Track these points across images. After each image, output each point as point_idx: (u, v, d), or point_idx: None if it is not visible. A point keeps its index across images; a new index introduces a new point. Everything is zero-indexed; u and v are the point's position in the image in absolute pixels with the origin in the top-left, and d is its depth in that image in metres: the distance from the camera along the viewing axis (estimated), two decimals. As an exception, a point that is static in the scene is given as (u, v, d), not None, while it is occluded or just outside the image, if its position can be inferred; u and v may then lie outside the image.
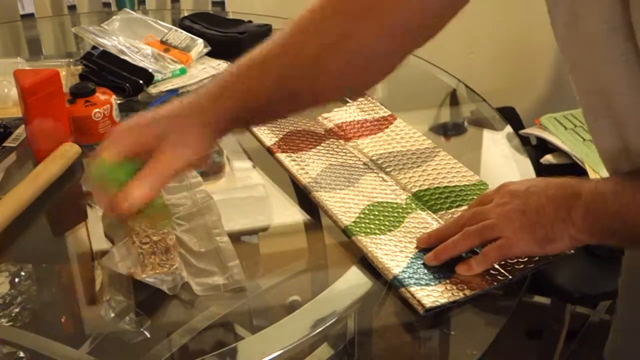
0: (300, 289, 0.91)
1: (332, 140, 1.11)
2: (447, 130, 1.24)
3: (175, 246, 0.88)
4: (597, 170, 1.13)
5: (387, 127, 1.12)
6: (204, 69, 1.35)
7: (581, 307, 1.80)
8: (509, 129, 1.20)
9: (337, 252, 0.95)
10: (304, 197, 1.00)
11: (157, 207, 0.83)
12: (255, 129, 1.11)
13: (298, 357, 0.81)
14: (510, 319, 0.83)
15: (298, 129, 1.13)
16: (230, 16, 1.57)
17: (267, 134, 1.10)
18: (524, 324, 1.84)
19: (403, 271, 0.84)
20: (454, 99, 1.36)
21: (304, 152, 1.07)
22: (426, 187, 0.99)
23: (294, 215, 1.02)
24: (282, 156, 1.06)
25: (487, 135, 1.22)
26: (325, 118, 1.16)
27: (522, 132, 1.36)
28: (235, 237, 0.93)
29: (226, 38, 1.42)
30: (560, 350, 1.56)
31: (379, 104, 1.19)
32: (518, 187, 0.84)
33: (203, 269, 0.87)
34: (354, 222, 0.92)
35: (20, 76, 1.07)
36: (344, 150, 1.08)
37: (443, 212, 0.95)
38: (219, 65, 1.36)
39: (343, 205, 0.95)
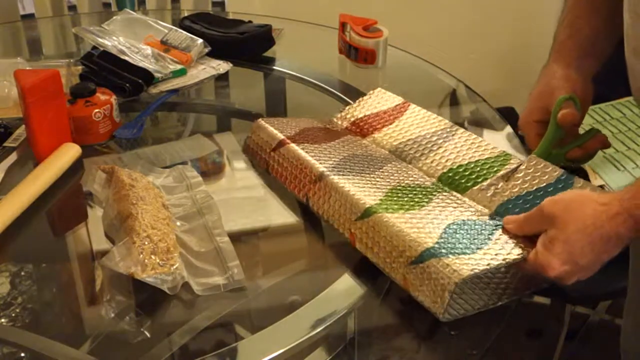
0: (300, 289, 0.91)
1: (349, 136, 1.09)
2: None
3: (175, 246, 0.88)
4: (596, 171, 1.13)
5: (402, 115, 1.11)
6: (204, 69, 1.35)
7: (581, 307, 1.80)
8: (509, 129, 1.20)
9: (337, 252, 0.95)
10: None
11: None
12: (267, 125, 1.08)
13: (298, 357, 0.81)
14: (510, 319, 0.83)
15: (314, 126, 1.11)
16: (230, 16, 1.57)
17: (280, 129, 1.07)
18: (524, 324, 1.84)
19: (436, 242, 0.82)
20: (454, 99, 1.36)
21: (321, 144, 1.04)
22: (449, 167, 0.97)
23: (294, 215, 1.02)
24: (295, 147, 1.02)
25: (487, 135, 1.22)
26: (340, 118, 1.15)
27: (522, 132, 1.35)
28: (235, 237, 0.93)
29: (226, 38, 1.42)
30: (560, 350, 1.56)
31: (390, 93, 1.17)
32: (563, 229, 0.79)
33: (203, 269, 0.87)
34: (377, 203, 0.89)
35: (20, 76, 1.07)
36: (362, 144, 1.06)
37: (469, 190, 0.93)
38: (219, 65, 1.36)
39: (365, 188, 0.92)
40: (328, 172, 0.96)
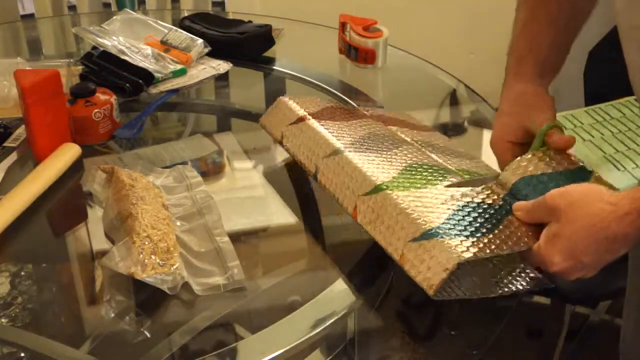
0: (300, 289, 0.91)
1: (370, 120, 1.07)
2: (447, 131, 1.24)
3: (175, 246, 0.88)
4: (597, 171, 1.13)
5: (426, 131, 1.10)
6: (204, 69, 1.35)
7: (581, 307, 1.80)
8: (509, 129, 1.20)
9: (337, 252, 0.95)
10: (304, 198, 1.00)
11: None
12: (290, 102, 1.06)
13: (298, 357, 0.81)
14: (510, 319, 0.83)
15: (337, 107, 1.09)
16: (230, 16, 1.57)
17: (302, 106, 1.05)
18: (524, 324, 1.84)
19: (445, 221, 0.81)
20: (454, 99, 1.36)
21: (341, 122, 1.03)
22: (464, 168, 0.96)
23: (294, 215, 1.02)
24: (315, 122, 1.01)
25: (487, 135, 1.22)
26: (364, 108, 1.14)
27: (493, 152, 1.35)
28: (235, 237, 0.93)
29: (226, 38, 1.42)
30: (560, 350, 1.56)
31: (419, 118, 1.16)
32: (567, 225, 0.79)
33: (203, 269, 0.87)
34: (390, 180, 0.88)
35: (20, 76, 1.07)
36: (383, 127, 1.05)
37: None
38: (219, 65, 1.36)
39: (379, 165, 0.91)
40: (344, 148, 0.95)
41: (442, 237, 0.78)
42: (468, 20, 2.33)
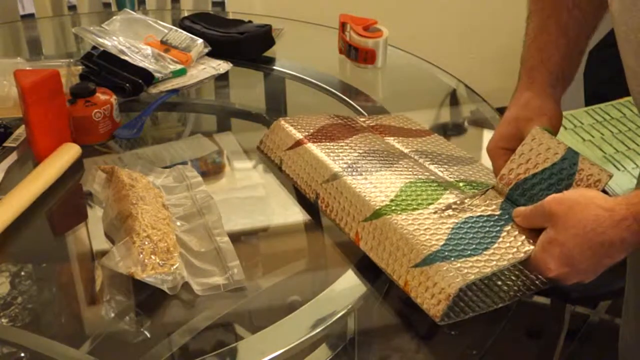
0: (300, 289, 0.92)
1: (369, 133, 1.07)
2: (447, 130, 1.24)
3: (175, 246, 0.88)
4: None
5: (424, 137, 1.10)
6: (204, 69, 1.35)
7: (581, 307, 1.80)
8: (509, 129, 1.20)
9: (337, 252, 0.95)
10: (304, 197, 1.00)
11: None
12: (287, 125, 1.07)
13: (298, 357, 0.81)
14: (510, 319, 0.83)
15: (334, 123, 1.10)
16: (230, 16, 1.57)
17: (298, 129, 1.06)
18: (524, 324, 1.84)
19: (446, 242, 0.81)
20: (454, 99, 1.36)
21: (340, 141, 1.03)
22: (462, 177, 0.97)
23: (294, 215, 1.02)
24: (312, 146, 1.01)
25: (487, 135, 1.22)
26: (363, 120, 1.14)
27: (489, 157, 1.35)
28: (235, 237, 0.93)
29: (226, 38, 1.42)
30: (560, 350, 1.56)
31: (416, 120, 1.16)
32: (562, 231, 0.79)
33: (203, 269, 0.87)
34: (388, 203, 0.88)
35: (20, 76, 1.07)
36: (381, 140, 1.05)
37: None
38: (219, 65, 1.36)
39: (378, 187, 0.92)
40: (342, 173, 0.95)
41: (442, 260, 0.79)
42: (468, 20, 2.33)
